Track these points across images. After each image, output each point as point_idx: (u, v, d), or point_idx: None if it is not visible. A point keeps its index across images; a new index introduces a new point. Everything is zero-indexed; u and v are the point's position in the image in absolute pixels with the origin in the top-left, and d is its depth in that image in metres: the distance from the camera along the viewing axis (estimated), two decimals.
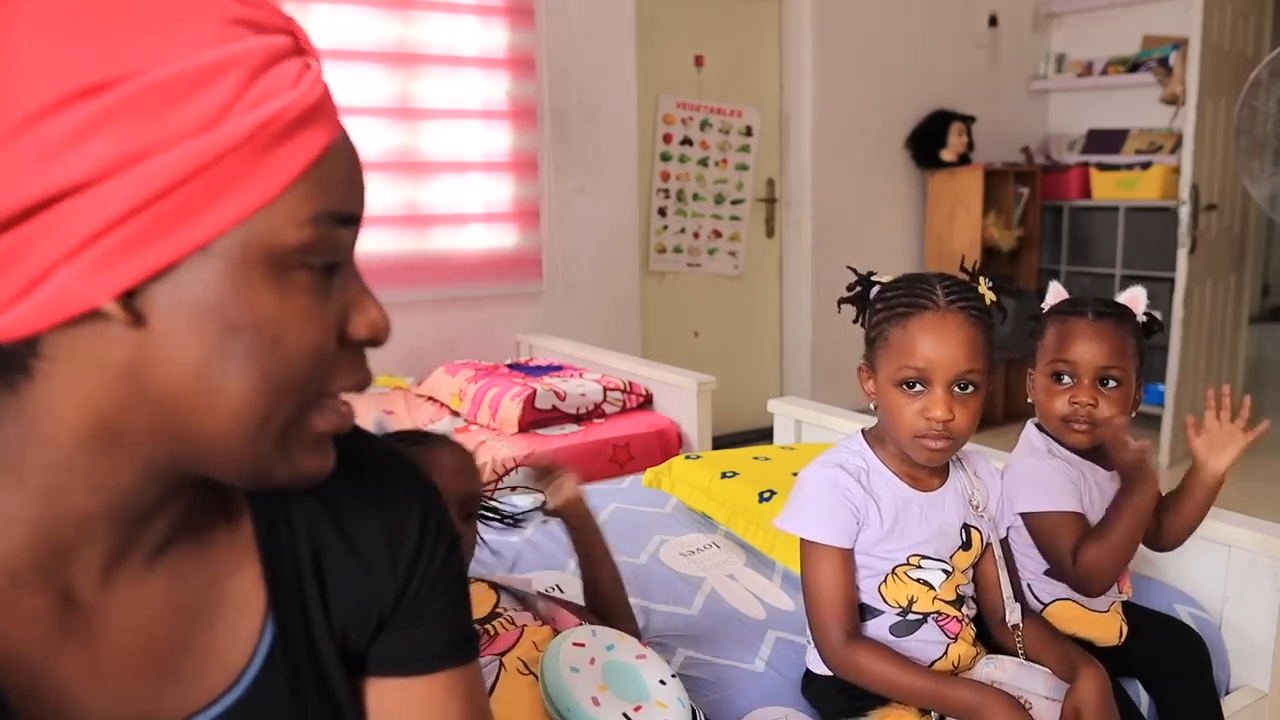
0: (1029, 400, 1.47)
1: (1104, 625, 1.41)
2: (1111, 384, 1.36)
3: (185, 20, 0.47)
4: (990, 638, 1.33)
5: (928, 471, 1.27)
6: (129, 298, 0.47)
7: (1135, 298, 1.42)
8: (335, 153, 0.52)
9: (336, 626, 0.64)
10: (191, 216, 0.46)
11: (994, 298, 1.22)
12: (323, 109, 0.51)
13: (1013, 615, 1.30)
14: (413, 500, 0.67)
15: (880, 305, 1.22)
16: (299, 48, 0.52)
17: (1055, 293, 1.46)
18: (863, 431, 1.31)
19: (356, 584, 0.64)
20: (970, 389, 1.17)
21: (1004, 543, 1.36)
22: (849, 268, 1.30)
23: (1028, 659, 1.28)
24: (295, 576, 0.62)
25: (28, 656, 0.53)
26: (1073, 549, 1.31)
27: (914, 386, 1.17)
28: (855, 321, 1.29)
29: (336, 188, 0.52)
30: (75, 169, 0.44)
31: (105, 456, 0.51)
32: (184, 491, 0.56)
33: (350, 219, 0.54)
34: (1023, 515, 1.36)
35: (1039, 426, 1.46)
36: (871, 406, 1.25)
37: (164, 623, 0.58)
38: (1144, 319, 1.41)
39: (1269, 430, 1.42)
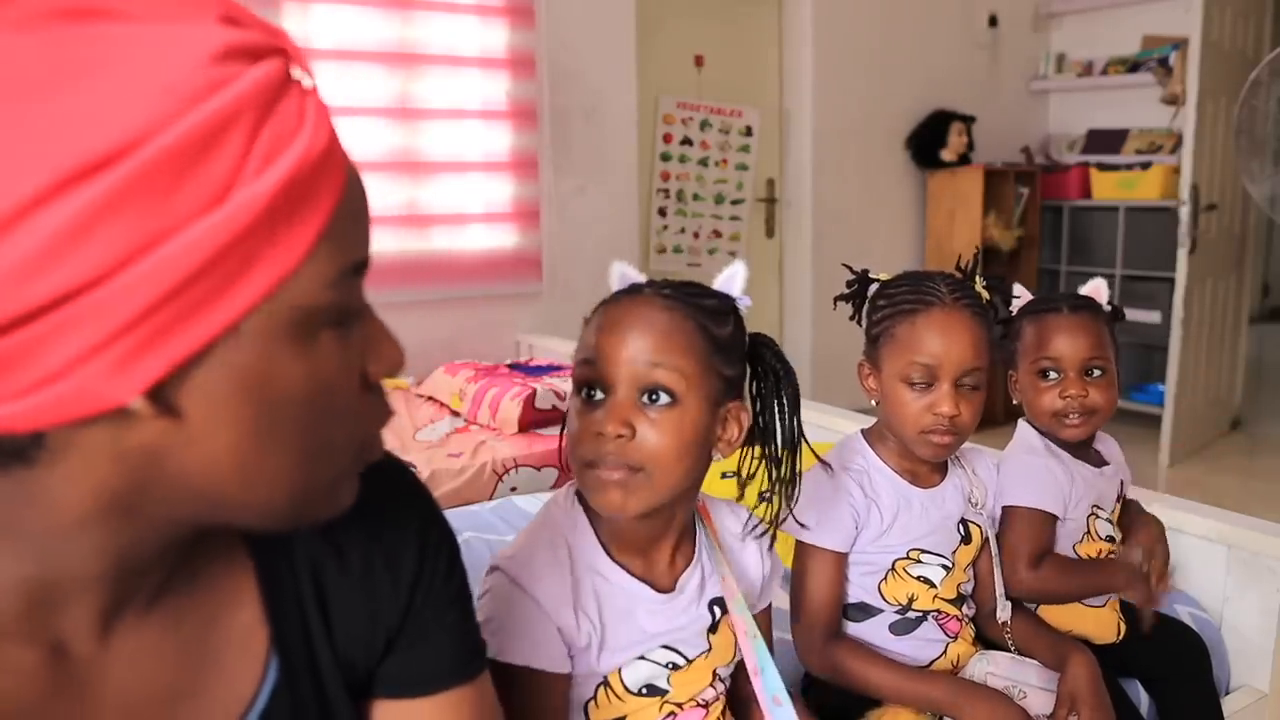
0: (1015, 402, 1.48)
1: (1099, 621, 1.41)
2: (1097, 373, 1.38)
3: (167, 62, 0.40)
4: (980, 632, 1.33)
5: (928, 468, 1.27)
6: (157, 390, 0.43)
7: (1097, 289, 1.44)
8: (348, 195, 0.47)
9: (342, 655, 0.61)
10: (215, 300, 0.42)
11: (988, 296, 1.23)
12: (333, 145, 0.46)
13: (1003, 612, 1.31)
14: (410, 514, 0.64)
15: (884, 302, 1.22)
16: (289, 64, 0.45)
17: (1022, 293, 1.48)
18: (862, 431, 1.31)
19: (360, 608, 0.61)
20: (974, 385, 1.18)
21: (998, 538, 1.36)
22: (845, 265, 1.31)
23: (1019, 653, 1.29)
24: (298, 608, 0.60)
25: (16, 712, 0.50)
26: (1035, 553, 1.33)
27: (920, 383, 1.18)
28: (852, 319, 1.29)
29: (354, 235, 0.48)
30: (80, 268, 0.39)
31: (112, 528, 0.47)
32: (185, 538, 0.53)
33: (367, 263, 0.50)
34: (1005, 508, 1.37)
35: (1032, 424, 1.46)
36: (873, 402, 1.26)
37: (162, 669, 0.55)
38: (1109, 309, 1.43)
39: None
